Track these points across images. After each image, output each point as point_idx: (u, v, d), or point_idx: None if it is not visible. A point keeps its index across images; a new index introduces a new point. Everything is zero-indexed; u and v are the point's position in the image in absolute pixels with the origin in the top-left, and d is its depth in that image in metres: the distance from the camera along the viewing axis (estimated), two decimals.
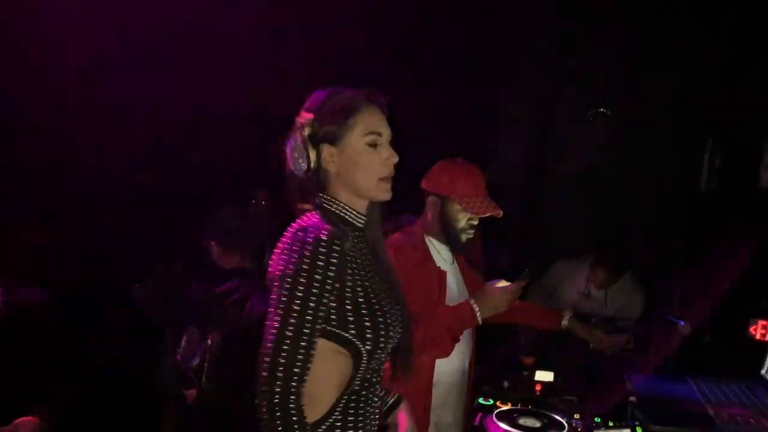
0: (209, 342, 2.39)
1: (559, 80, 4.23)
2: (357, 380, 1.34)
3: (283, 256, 1.27)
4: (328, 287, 1.26)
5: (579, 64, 4.12)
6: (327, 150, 1.35)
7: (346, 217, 1.40)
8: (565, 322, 2.39)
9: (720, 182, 3.93)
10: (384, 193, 1.40)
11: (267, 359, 1.22)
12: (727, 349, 2.46)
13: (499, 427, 1.80)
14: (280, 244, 1.31)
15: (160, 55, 3.57)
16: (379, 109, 1.40)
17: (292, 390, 1.21)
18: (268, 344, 1.23)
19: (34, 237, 3.26)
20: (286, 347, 1.22)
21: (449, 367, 2.12)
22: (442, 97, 4.06)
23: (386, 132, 1.39)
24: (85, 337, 2.06)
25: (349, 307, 1.30)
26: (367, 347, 1.31)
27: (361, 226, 1.42)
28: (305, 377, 1.23)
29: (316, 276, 1.24)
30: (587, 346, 2.42)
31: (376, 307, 1.33)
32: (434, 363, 2.08)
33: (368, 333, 1.30)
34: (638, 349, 2.60)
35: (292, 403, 1.21)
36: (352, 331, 1.30)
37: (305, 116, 1.37)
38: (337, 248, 1.26)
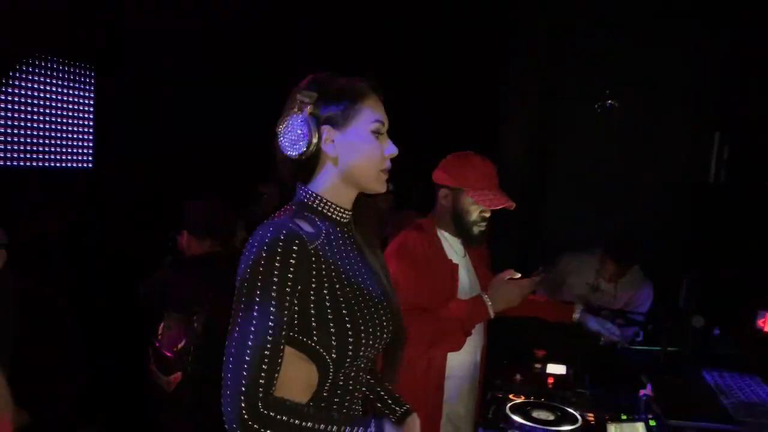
0: (195, 325, 2.39)
1: (564, 73, 4.21)
2: (326, 387, 1.24)
3: (243, 257, 1.19)
4: (288, 290, 1.16)
5: (584, 57, 4.10)
6: (329, 133, 1.27)
7: (326, 211, 1.30)
8: (576, 316, 2.39)
9: (728, 175, 3.92)
10: (381, 185, 1.32)
11: (229, 375, 1.13)
12: (740, 342, 2.45)
13: (513, 419, 1.80)
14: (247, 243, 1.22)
15: (171, 53, 3.57)
16: (381, 99, 1.32)
17: (260, 399, 1.12)
18: (230, 358, 1.14)
19: (37, 232, 3.26)
20: (248, 358, 1.12)
21: (461, 360, 2.12)
22: (444, 92, 4.04)
23: (387, 123, 1.32)
24: (89, 333, 2.05)
25: (312, 312, 1.20)
26: (333, 356, 1.21)
27: (345, 221, 1.33)
28: (272, 389, 1.14)
29: (274, 279, 1.14)
30: (598, 339, 2.42)
31: (345, 312, 1.22)
32: (446, 356, 2.09)
33: (333, 341, 1.20)
34: (648, 341, 2.59)
35: (263, 409, 1.12)
36: (315, 339, 1.20)
37: (308, 94, 1.27)
38: (294, 248, 1.16)
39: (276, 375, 1.15)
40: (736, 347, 2.49)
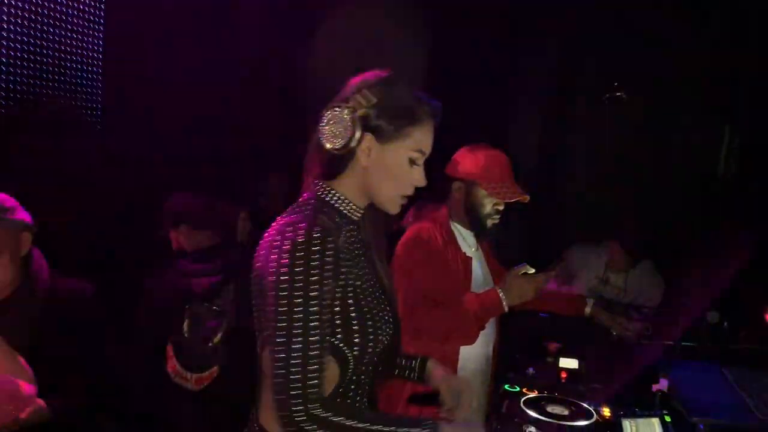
0: (227, 316, 2.33)
1: (575, 64, 4.18)
2: (344, 383, 1.25)
3: (272, 256, 1.16)
4: (327, 288, 1.15)
5: (596, 48, 4.06)
6: (369, 141, 1.25)
7: (342, 209, 1.29)
8: (588, 309, 2.38)
9: (738, 168, 3.89)
10: (396, 208, 1.33)
11: (281, 379, 1.12)
12: (755, 337, 2.43)
13: (527, 414, 1.79)
14: (267, 238, 1.20)
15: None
16: (434, 127, 1.31)
17: (316, 401, 1.12)
18: (280, 363, 1.12)
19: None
20: (299, 361, 1.11)
21: (474, 353, 2.11)
22: (456, 85, 4.01)
23: (428, 153, 1.31)
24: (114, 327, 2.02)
25: (337, 309, 1.20)
26: (355, 353, 1.22)
27: (357, 219, 1.33)
28: (324, 388, 1.14)
29: (313, 278, 1.13)
30: (610, 333, 2.40)
31: (366, 309, 1.24)
32: (459, 349, 2.07)
33: (356, 338, 1.21)
34: (660, 336, 2.57)
35: (320, 411, 1.12)
36: (339, 336, 1.20)
37: (369, 97, 1.24)
38: (330, 245, 1.16)
39: (324, 374, 1.15)
40: (746, 342, 2.47)
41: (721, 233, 3.37)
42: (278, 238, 1.17)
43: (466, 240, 2.16)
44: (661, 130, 3.98)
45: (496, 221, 2.13)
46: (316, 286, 1.14)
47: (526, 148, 4.14)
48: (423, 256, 2.01)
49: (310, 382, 1.12)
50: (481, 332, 2.02)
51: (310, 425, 1.11)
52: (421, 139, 1.28)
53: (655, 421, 1.78)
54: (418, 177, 1.30)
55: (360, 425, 1.14)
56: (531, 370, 2.13)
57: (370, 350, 1.24)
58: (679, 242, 3.50)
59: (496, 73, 4.11)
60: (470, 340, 2.01)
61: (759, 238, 3.20)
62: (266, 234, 1.23)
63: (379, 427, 1.15)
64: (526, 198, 2.08)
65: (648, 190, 3.93)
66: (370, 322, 1.23)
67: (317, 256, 1.14)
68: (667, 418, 1.78)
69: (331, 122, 1.24)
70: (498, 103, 4.14)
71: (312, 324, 1.13)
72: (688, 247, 3.41)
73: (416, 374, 1.49)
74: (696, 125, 3.97)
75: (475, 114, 3.85)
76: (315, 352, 1.13)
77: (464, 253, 2.12)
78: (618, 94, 4.01)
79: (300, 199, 1.30)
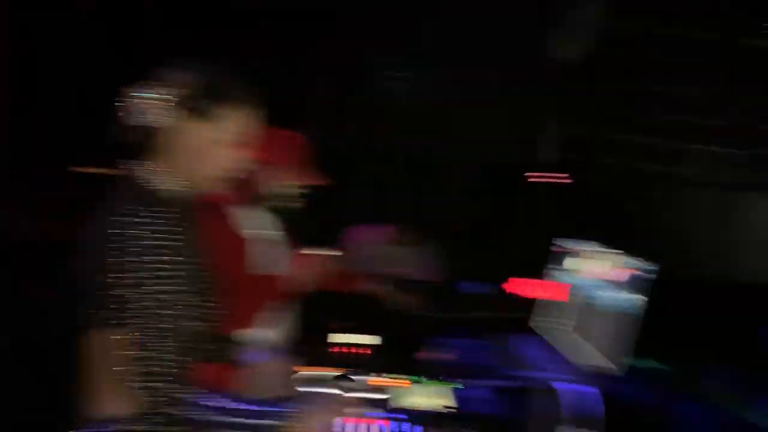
0: None
1: (374, 48, 4.29)
2: None
3: (109, 242, 1.17)
4: (167, 270, 1.19)
5: (390, 32, 4.20)
6: (178, 120, 1.27)
7: (158, 189, 1.29)
8: (375, 286, 2.52)
9: (530, 158, 4.31)
10: (209, 189, 1.36)
11: (141, 362, 1.15)
12: (515, 306, 2.75)
13: (319, 393, 1.84)
14: (93, 226, 1.22)
15: None
16: (250, 110, 1.35)
17: (178, 382, 1.16)
18: (136, 346, 1.15)
19: None
20: (154, 345, 1.16)
21: (266, 337, 2.10)
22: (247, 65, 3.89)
23: (245, 136, 1.34)
24: None
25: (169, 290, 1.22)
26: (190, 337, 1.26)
27: (173, 199, 1.32)
28: (182, 368, 1.18)
29: (157, 258, 1.18)
30: (393, 307, 2.57)
31: (193, 291, 1.27)
32: (251, 333, 2.05)
33: (196, 321, 1.26)
34: (433, 309, 2.82)
35: (178, 392, 1.16)
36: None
37: (181, 76, 1.27)
38: (164, 225, 1.20)
39: (179, 355, 1.19)
40: (508, 311, 2.79)
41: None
42: (102, 220, 1.18)
43: (257, 222, 2.11)
44: (468, 118, 4.28)
45: (292, 204, 2.13)
46: (165, 265, 1.18)
47: (313, 136, 4.18)
48: None
49: (168, 362, 1.16)
50: (273, 315, 2.02)
51: (171, 409, 1.15)
52: (230, 121, 1.30)
53: (430, 387, 1.96)
54: (228, 159, 1.32)
55: (227, 405, 1.20)
56: (322, 349, 2.19)
57: (200, 334, 1.28)
58: (460, 223, 3.85)
59: (291, 57, 4.09)
60: (258, 323, 2.00)
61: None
62: (89, 222, 1.23)
63: (241, 408, 1.22)
64: (322, 182, 2.12)
65: (450, 175, 4.24)
66: (209, 303, 1.30)
67: (157, 235, 1.18)
68: (438, 384, 1.97)
69: (146, 103, 1.24)
70: (293, 85, 4.12)
71: (161, 304, 1.17)
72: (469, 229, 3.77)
73: (225, 356, 1.54)
74: (502, 115, 4.33)
75: (269, 96, 3.80)
76: (169, 333, 1.17)
77: (249, 235, 2.07)
78: (404, 76, 4.24)
79: (116, 180, 1.29)
